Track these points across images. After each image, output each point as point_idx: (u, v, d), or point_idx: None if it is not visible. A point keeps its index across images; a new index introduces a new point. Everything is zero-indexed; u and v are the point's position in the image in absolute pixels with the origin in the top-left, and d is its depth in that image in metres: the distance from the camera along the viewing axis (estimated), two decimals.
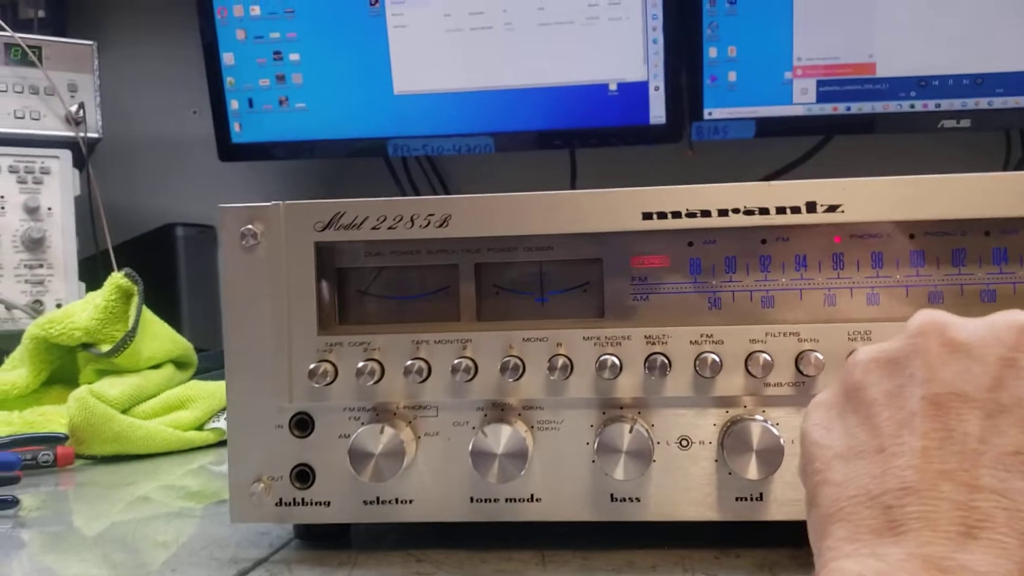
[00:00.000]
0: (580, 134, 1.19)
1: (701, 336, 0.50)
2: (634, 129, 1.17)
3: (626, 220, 0.51)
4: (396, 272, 0.54)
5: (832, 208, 0.49)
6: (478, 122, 1.19)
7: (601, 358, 0.50)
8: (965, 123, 1.10)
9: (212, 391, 0.83)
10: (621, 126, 1.17)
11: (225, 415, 0.82)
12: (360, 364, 0.51)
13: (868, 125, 1.12)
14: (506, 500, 0.52)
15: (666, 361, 0.50)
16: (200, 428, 0.82)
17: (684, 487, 0.51)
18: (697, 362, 0.49)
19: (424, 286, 0.53)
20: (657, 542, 0.52)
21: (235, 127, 1.23)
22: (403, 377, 0.51)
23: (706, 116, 1.15)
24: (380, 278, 0.54)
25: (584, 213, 0.51)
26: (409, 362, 0.51)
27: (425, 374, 0.51)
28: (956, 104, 1.10)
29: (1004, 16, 1.08)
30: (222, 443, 0.83)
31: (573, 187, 1.25)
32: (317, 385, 0.51)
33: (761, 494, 0.50)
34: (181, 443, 0.79)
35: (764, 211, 0.50)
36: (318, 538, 0.55)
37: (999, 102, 1.09)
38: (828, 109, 1.12)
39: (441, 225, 0.51)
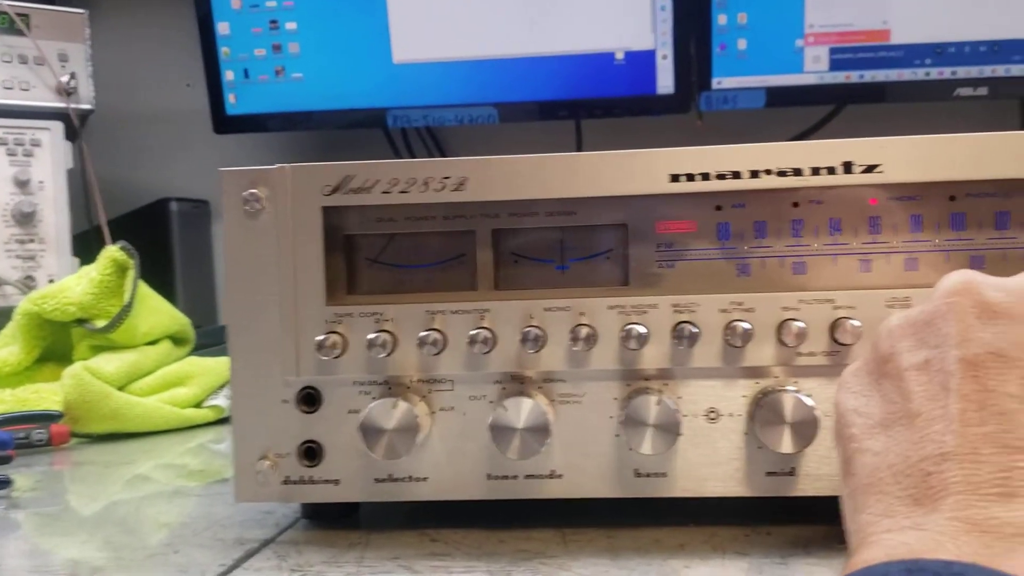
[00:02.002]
0: (586, 104, 1.16)
1: (731, 304, 0.48)
2: (641, 99, 1.14)
3: (652, 183, 0.48)
4: (408, 239, 0.51)
5: (870, 168, 0.46)
6: (481, 92, 1.16)
7: (626, 327, 0.47)
8: (982, 91, 1.07)
9: (211, 367, 0.81)
10: (628, 96, 1.14)
11: (225, 392, 0.79)
12: (371, 336, 0.48)
13: (881, 94, 1.09)
14: (525, 477, 0.49)
15: (695, 330, 0.47)
16: (199, 405, 0.79)
17: (712, 462, 0.48)
18: (727, 331, 0.47)
19: (438, 254, 0.51)
20: (684, 519, 0.50)
21: (230, 98, 1.20)
22: (417, 349, 0.48)
23: (715, 85, 1.12)
24: (391, 246, 0.51)
25: (608, 175, 0.48)
26: (423, 333, 0.48)
27: (440, 346, 0.48)
28: (972, 72, 1.07)
29: None
30: (221, 421, 0.81)
31: None
32: (325, 358, 0.48)
33: (793, 468, 0.48)
34: (179, 421, 0.77)
35: (798, 172, 0.47)
36: (326, 518, 0.53)
37: (1016, 69, 1.06)
38: (840, 77, 1.09)
39: (457, 188, 0.49)
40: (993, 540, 0.27)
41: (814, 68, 1.09)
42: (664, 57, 1.13)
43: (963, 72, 1.07)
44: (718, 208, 0.49)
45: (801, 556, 0.45)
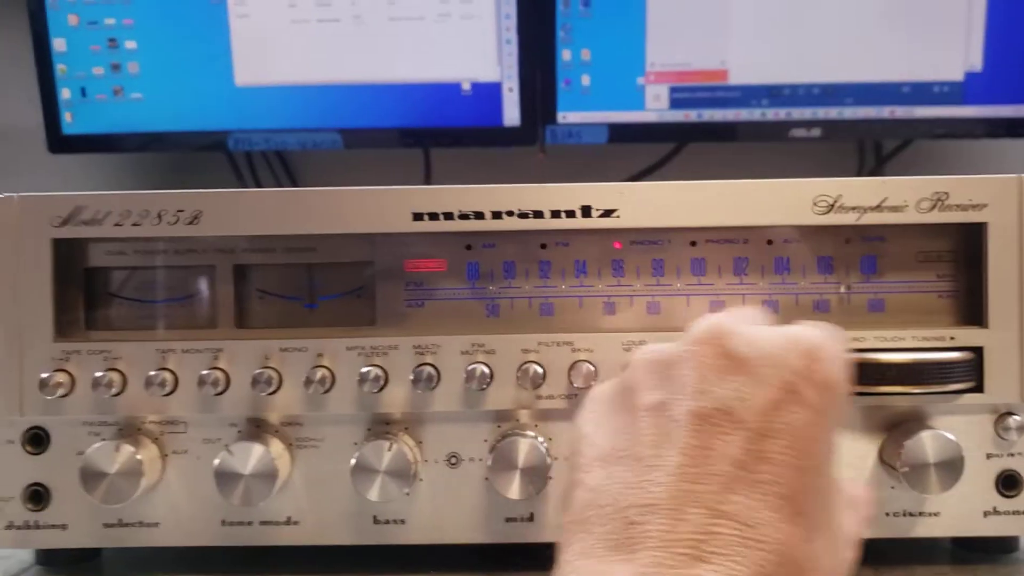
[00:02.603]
0: (433, 133, 1.15)
1: (473, 346, 0.47)
2: (488, 130, 1.14)
3: (395, 221, 0.47)
4: (149, 273, 0.49)
5: (608, 213, 0.46)
6: (325, 117, 1.14)
7: (363, 370, 0.46)
8: (815, 132, 1.10)
9: None
10: (475, 127, 1.14)
11: None
12: (98, 375, 0.46)
13: (720, 133, 1.11)
14: (260, 523, 0.47)
15: (434, 372, 0.46)
16: None
17: (452, 507, 0.47)
18: (467, 374, 0.46)
19: (177, 289, 0.49)
20: (426, 566, 0.49)
21: (66, 117, 1.15)
22: (146, 389, 0.46)
23: (560, 120, 1.12)
24: (132, 280, 0.49)
25: (351, 212, 0.47)
26: (152, 373, 0.46)
27: (170, 386, 0.46)
28: (806, 113, 1.10)
29: (854, 27, 1.09)
30: None
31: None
32: (50, 397, 0.46)
33: (532, 514, 0.47)
34: None
35: (539, 214, 0.47)
36: (60, 563, 0.50)
37: (848, 112, 1.10)
38: (680, 116, 1.11)
39: (191, 222, 0.47)
40: None
41: (655, 106, 1.11)
42: (510, 90, 1.13)
43: (797, 114, 1.10)
44: (468, 247, 0.49)
45: None
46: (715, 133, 1.11)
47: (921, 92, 1.11)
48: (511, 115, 1.13)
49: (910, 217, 0.46)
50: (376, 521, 0.47)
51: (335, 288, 0.49)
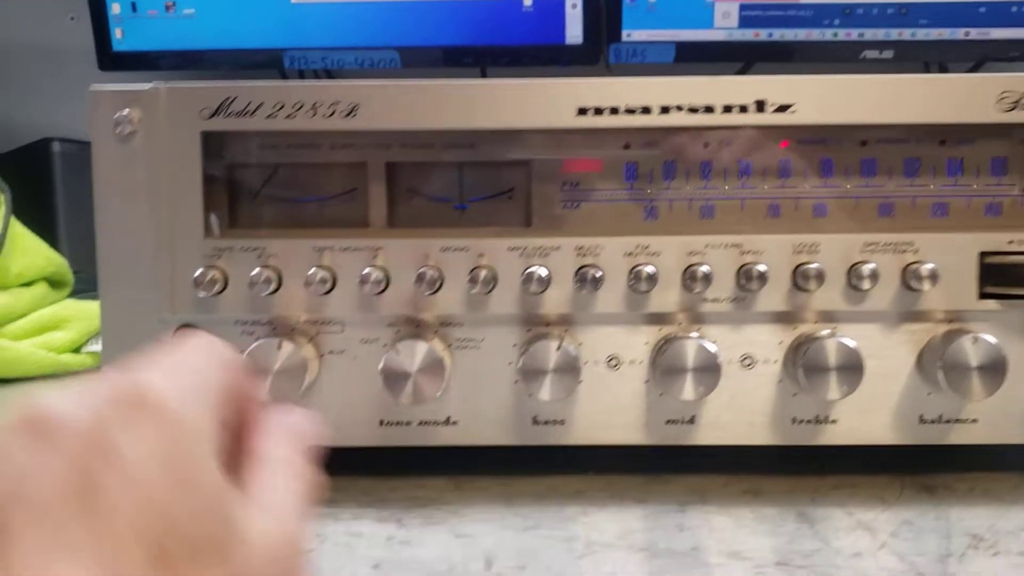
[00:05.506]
0: (492, 51, 1.13)
1: (636, 247, 0.46)
2: (549, 48, 1.11)
3: (559, 116, 0.45)
4: (296, 170, 0.47)
5: (783, 108, 0.45)
6: (383, 35, 1.11)
7: (527, 271, 0.45)
8: (887, 54, 1.07)
9: (91, 311, 0.75)
10: (535, 44, 1.11)
11: None
12: (254, 272, 0.45)
13: (789, 53, 1.08)
14: (419, 423, 0.47)
15: (598, 274, 0.45)
16: (77, 351, 0.74)
17: (612, 409, 0.47)
18: (631, 275, 0.45)
19: (329, 187, 0.47)
20: (582, 467, 0.48)
21: (116, 33, 1.12)
22: (303, 288, 0.45)
23: (624, 38, 1.09)
24: (278, 176, 0.48)
25: (511, 107, 0.45)
26: (311, 271, 0.45)
27: (329, 285, 0.45)
28: (879, 34, 1.07)
29: None
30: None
31: None
32: (204, 294, 0.45)
33: (693, 417, 0.47)
34: (55, 366, 0.72)
35: (710, 109, 0.45)
36: None
37: (922, 33, 1.07)
38: (750, 35, 1.08)
39: (348, 115, 0.45)
40: None
41: (724, 24, 1.08)
42: (573, 6, 1.10)
43: (870, 34, 1.07)
44: (626, 147, 0.47)
45: (698, 503, 0.44)
46: (785, 53, 1.08)
47: (997, 12, 1.09)
48: (574, 33, 1.10)
49: None
50: (536, 422, 0.47)
51: (487, 189, 0.47)
